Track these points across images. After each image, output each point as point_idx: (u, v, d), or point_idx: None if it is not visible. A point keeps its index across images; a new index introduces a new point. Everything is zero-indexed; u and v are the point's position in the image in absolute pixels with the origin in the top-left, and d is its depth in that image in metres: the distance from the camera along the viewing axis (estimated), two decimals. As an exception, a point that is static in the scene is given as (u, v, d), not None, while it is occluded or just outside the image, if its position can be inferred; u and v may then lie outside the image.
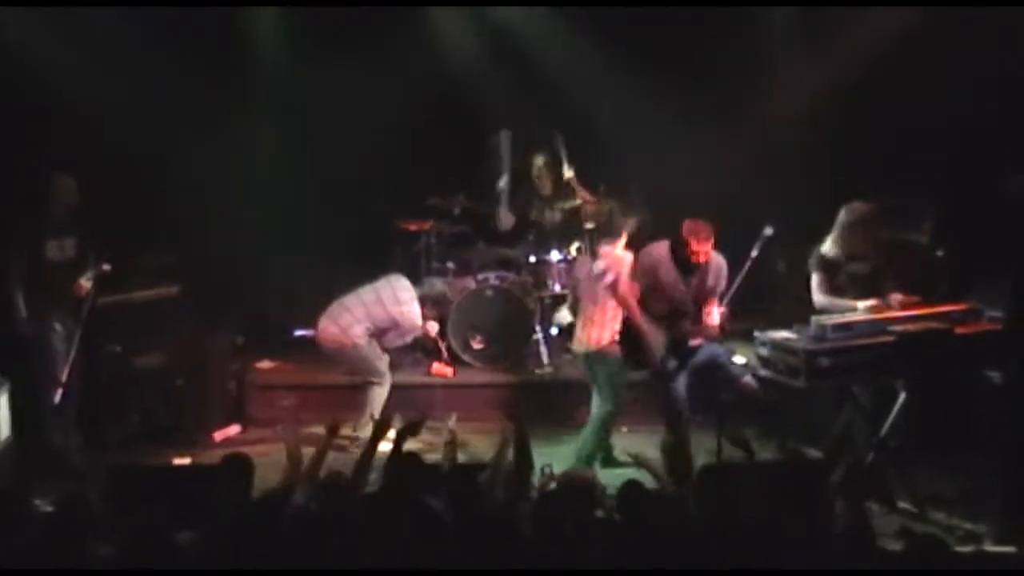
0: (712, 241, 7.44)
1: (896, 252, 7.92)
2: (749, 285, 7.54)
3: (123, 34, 9.58)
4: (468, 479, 5.62)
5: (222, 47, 9.97)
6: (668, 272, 7.50)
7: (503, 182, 10.25)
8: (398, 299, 8.73)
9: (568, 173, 9.73)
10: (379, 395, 8.66)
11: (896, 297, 7.61)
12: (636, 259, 7.81)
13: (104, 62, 9.57)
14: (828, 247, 7.76)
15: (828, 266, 7.75)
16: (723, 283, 7.57)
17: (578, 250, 9.79)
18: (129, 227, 9.09)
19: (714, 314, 7.52)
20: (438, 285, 9.13)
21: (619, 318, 7.75)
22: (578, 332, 8.15)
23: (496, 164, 10.27)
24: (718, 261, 7.56)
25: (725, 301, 7.53)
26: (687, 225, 7.46)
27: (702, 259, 7.44)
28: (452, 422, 6.59)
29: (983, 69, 8.88)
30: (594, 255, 8.42)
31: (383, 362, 8.76)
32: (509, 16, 10.42)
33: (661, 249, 7.64)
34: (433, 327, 9.01)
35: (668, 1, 9.92)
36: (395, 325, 8.73)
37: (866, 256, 7.69)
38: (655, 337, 7.49)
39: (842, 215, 7.75)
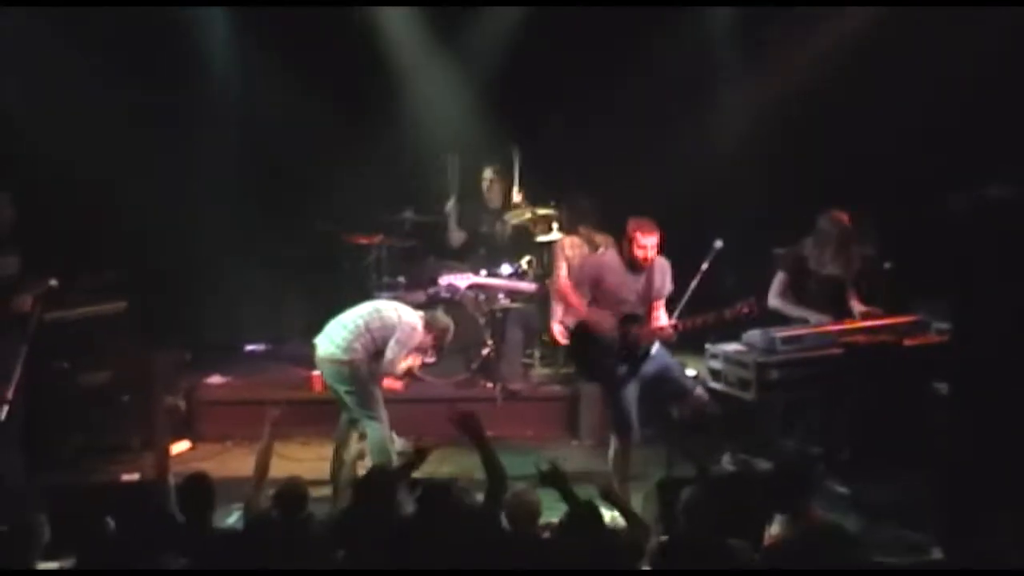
0: (657, 237, 7.35)
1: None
2: (699, 299, 7.55)
3: (67, 49, 9.51)
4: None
5: (167, 63, 9.92)
6: (615, 277, 7.44)
7: (451, 203, 10.18)
8: (399, 308, 8.12)
9: (517, 197, 9.77)
10: (384, 436, 7.77)
11: (859, 307, 7.71)
12: (582, 266, 7.80)
13: (48, 77, 9.49)
14: (805, 251, 7.82)
15: (798, 269, 7.80)
16: (669, 284, 7.53)
17: (529, 263, 9.80)
18: (76, 243, 9.00)
19: (662, 316, 7.52)
20: (443, 317, 8.30)
21: None
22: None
23: (444, 185, 10.21)
24: (661, 262, 7.51)
25: (675, 314, 7.53)
26: (632, 222, 7.39)
27: (649, 255, 7.34)
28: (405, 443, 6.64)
29: (930, 86, 9.03)
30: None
31: (380, 393, 7.95)
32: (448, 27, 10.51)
33: (608, 255, 7.65)
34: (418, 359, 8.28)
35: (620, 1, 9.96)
36: (393, 334, 7.91)
37: (836, 267, 7.77)
38: (601, 323, 7.39)
39: (822, 223, 7.81)
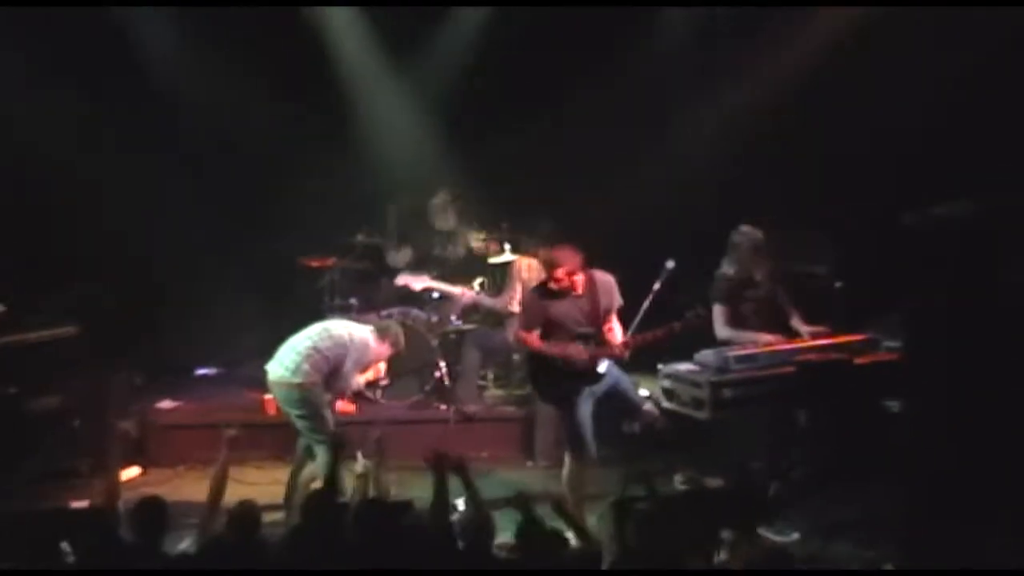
0: (567, 266, 7.30)
1: (796, 282, 8.08)
2: (653, 319, 7.54)
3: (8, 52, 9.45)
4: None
5: (120, 80, 9.87)
6: (558, 307, 7.40)
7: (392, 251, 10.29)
8: (348, 325, 8.08)
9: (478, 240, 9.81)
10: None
11: (806, 328, 7.77)
12: (525, 310, 7.75)
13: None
14: (724, 274, 7.87)
15: (729, 295, 7.84)
16: (617, 298, 7.51)
17: (481, 285, 9.79)
18: (25, 267, 8.92)
19: (616, 331, 7.50)
20: (392, 324, 8.36)
21: None
22: None
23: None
24: (604, 279, 7.49)
25: (630, 332, 7.53)
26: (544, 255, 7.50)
27: (566, 284, 7.31)
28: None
29: (884, 106, 9.14)
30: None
31: (331, 416, 7.87)
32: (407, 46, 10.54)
33: (541, 290, 7.59)
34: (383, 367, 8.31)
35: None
36: (346, 352, 7.82)
37: (761, 282, 7.82)
38: (567, 351, 7.41)
39: (732, 239, 7.88)
